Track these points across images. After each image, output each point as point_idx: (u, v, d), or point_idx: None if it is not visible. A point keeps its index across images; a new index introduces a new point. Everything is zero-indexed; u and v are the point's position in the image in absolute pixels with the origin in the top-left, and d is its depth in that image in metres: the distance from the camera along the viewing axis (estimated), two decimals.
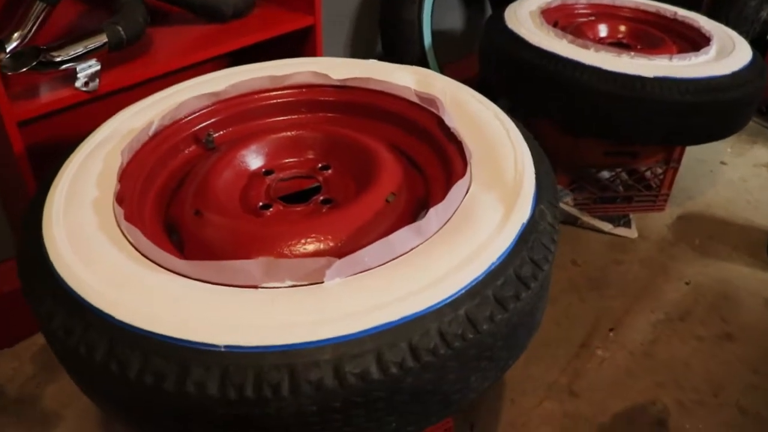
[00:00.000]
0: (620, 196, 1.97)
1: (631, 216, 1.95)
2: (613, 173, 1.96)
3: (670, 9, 1.99)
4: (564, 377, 1.46)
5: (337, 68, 1.17)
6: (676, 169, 1.93)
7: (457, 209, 0.86)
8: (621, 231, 1.90)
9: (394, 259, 0.78)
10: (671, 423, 1.37)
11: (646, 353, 1.53)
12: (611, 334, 1.57)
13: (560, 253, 1.80)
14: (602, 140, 1.82)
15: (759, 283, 1.74)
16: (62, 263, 0.78)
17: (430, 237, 0.81)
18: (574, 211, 1.91)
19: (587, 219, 1.91)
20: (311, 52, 1.61)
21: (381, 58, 2.05)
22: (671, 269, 1.78)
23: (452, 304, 0.72)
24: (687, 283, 1.74)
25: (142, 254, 0.80)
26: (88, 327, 0.72)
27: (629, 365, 1.50)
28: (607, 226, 1.91)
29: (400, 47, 2.09)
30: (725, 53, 1.74)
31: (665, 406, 1.41)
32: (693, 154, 2.21)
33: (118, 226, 0.84)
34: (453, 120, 1.02)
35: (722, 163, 2.27)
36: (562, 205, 1.90)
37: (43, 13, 1.25)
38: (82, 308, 0.73)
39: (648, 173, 1.97)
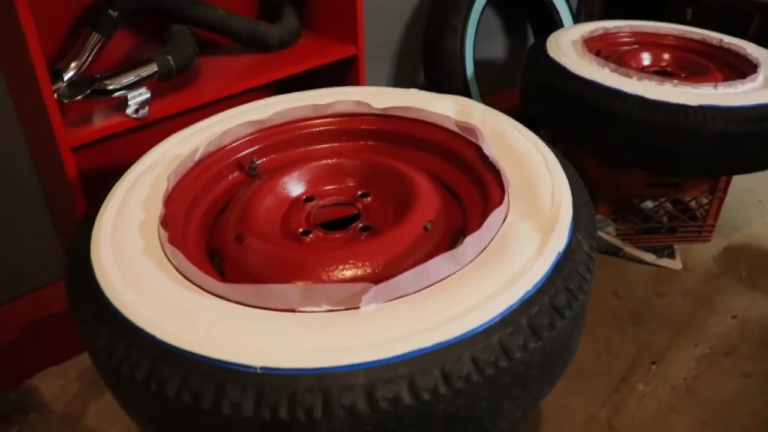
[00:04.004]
0: (664, 226, 1.94)
1: (675, 247, 1.92)
2: (657, 203, 1.94)
3: (715, 36, 1.98)
4: (603, 411, 1.44)
5: (379, 97, 1.20)
6: (722, 200, 1.89)
7: (493, 238, 0.86)
8: (665, 262, 1.87)
9: (429, 286, 0.79)
10: None
11: (690, 389, 1.49)
12: (653, 367, 1.54)
13: (601, 284, 1.78)
14: (644, 171, 1.80)
15: None
16: (108, 285, 0.81)
17: (466, 265, 0.82)
18: (617, 242, 1.89)
19: (630, 250, 1.88)
20: (354, 81, 1.65)
21: (424, 88, 2.08)
22: (717, 302, 1.74)
23: (486, 332, 0.72)
24: (734, 317, 1.70)
25: (185, 277, 0.83)
26: (130, 346, 0.74)
27: (671, 401, 1.46)
28: (650, 257, 1.88)
29: (442, 77, 2.11)
30: None
31: None
32: (740, 183, 2.17)
33: (163, 249, 0.87)
34: (491, 149, 1.03)
35: None
36: (603, 235, 1.88)
37: (99, 44, 1.31)
38: (126, 328, 0.76)
39: (693, 203, 1.94)
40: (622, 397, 1.47)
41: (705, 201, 1.91)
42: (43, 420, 1.42)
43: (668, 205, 1.96)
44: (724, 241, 1.98)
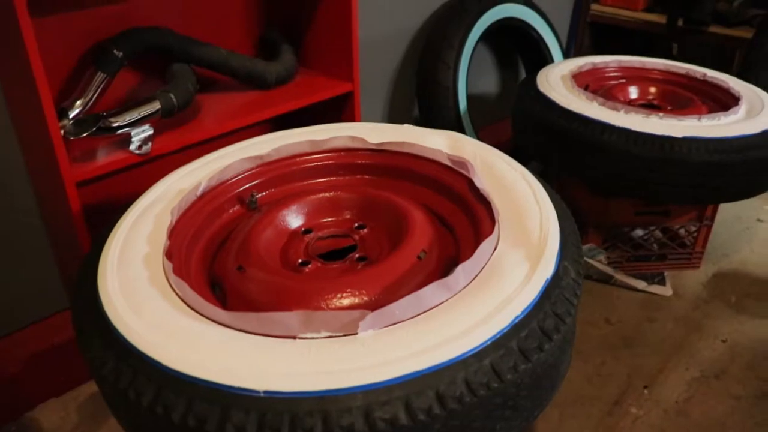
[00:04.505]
0: (654, 254, 1.98)
1: (666, 274, 1.96)
2: (647, 231, 1.98)
3: (699, 70, 2.04)
4: None
5: (374, 132, 1.25)
6: (709, 227, 1.94)
7: (484, 266, 0.90)
8: (655, 289, 1.91)
9: (423, 312, 0.83)
10: None
11: (681, 412, 1.52)
12: (645, 391, 1.57)
13: (593, 311, 1.82)
14: (633, 200, 1.85)
15: None
16: (115, 313, 0.85)
17: (458, 292, 0.86)
18: (608, 270, 1.93)
19: (621, 277, 1.92)
20: (350, 116, 1.70)
21: (418, 122, 2.13)
22: (706, 327, 1.78)
23: (477, 355, 0.76)
24: (723, 341, 1.73)
25: (189, 306, 0.86)
26: (137, 372, 0.78)
27: (663, 424, 1.49)
28: (641, 284, 1.92)
29: (436, 112, 2.17)
30: (754, 112, 1.77)
31: None
32: (729, 211, 2.22)
33: (167, 279, 0.91)
34: (482, 182, 1.07)
35: (759, 220, 2.27)
36: (595, 264, 1.92)
37: (104, 83, 1.36)
38: (132, 355, 0.79)
39: (682, 231, 1.98)
40: (614, 421, 1.49)
41: (693, 228, 1.95)
42: None
43: (658, 233, 2.00)
44: (713, 267, 2.02)
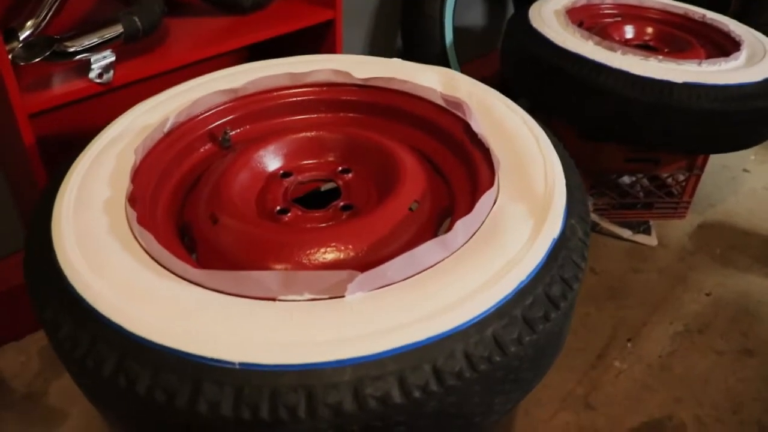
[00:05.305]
0: (640, 202, 1.92)
1: (651, 223, 1.91)
2: (634, 178, 1.92)
3: (698, 11, 1.94)
4: (580, 388, 1.43)
5: (359, 66, 1.13)
6: (698, 177, 1.88)
7: (484, 221, 0.82)
8: (640, 238, 1.86)
9: (418, 273, 0.74)
10: None
11: (664, 366, 1.49)
12: (629, 345, 1.54)
13: None
14: (625, 146, 1.78)
15: None
16: (71, 268, 0.75)
17: (456, 251, 0.77)
18: (594, 217, 1.87)
19: (606, 225, 1.87)
20: (330, 48, 1.58)
21: (401, 55, 2.01)
22: (691, 280, 1.74)
23: (479, 325, 0.68)
24: (707, 295, 1.70)
25: (156, 260, 0.77)
26: (96, 338, 0.69)
27: (646, 378, 1.46)
28: (626, 233, 1.87)
29: (420, 44, 2.05)
30: (756, 59, 1.69)
31: (683, 422, 1.38)
32: (716, 160, 2.16)
33: (131, 229, 0.81)
34: (480, 125, 0.98)
35: (745, 170, 2.22)
36: None
37: (58, 1, 1.21)
38: (91, 317, 0.70)
39: (669, 180, 1.92)
40: (598, 374, 1.46)
41: (682, 178, 1.89)
42: (4, 399, 1.35)
43: (645, 181, 1.94)
44: (699, 217, 1.98)
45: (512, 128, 0.99)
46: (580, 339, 1.54)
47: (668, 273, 1.76)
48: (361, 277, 0.71)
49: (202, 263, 0.86)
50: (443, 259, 0.76)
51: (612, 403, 1.40)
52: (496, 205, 0.85)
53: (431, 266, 0.75)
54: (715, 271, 1.78)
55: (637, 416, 1.38)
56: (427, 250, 0.75)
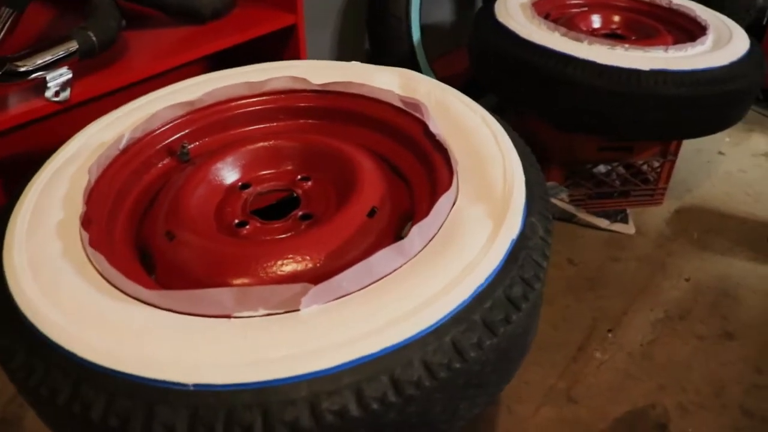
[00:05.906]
0: (617, 190, 1.92)
1: (629, 211, 1.90)
2: (610, 167, 1.92)
3: None
4: (562, 382, 1.42)
5: (318, 72, 1.12)
6: (673, 162, 1.88)
7: (442, 225, 0.81)
8: (618, 227, 1.86)
9: (374, 282, 0.73)
10: (673, 427, 1.34)
11: (646, 355, 1.49)
12: (610, 335, 1.53)
13: (556, 251, 1.76)
14: (596, 136, 1.77)
15: (760, 279, 1.70)
16: (23, 295, 0.74)
17: (414, 257, 0.76)
18: (570, 208, 1.86)
19: (583, 216, 1.86)
20: (294, 53, 1.56)
21: (369, 56, 1.99)
22: (670, 266, 1.74)
23: (436, 332, 0.67)
24: (687, 280, 1.70)
25: (110, 283, 0.75)
26: (50, 366, 0.67)
27: (628, 368, 1.46)
28: (603, 223, 1.86)
29: (388, 44, 2.04)
30: (722, 43, 1.68)
31: (666, 409, 1.37)
32: (690, 144, 2.16)
33: (85, 252, 0.79)
34: (438, 126, 0.97)
35: (720, 153, 2.22)
36: (557, 202, 1.86)
37: (10, 20, 1.19)
38: (43, 345, 0.69)
39: (645, 167, 1.92)
40: (579, 367, 1.45)
41: (657, 164, 1.89)
42: None
43: (621, 170, 1.94)
44: (676, 203, 1.98)
45: (471, 127, 0.98)
46: (560, 332, 1.53)
47: (647, 260, 1.76)
48: (316, 290, 0.69)
49: (161, 282, 0.85)
50: (400, 266, 0.75)
51: (594, 394, 1.40)
52: (454, 206, 0.84)
53: (388, 274, 0.74)
54: (694, 256, 1.78)
55: (621, 406, 1.38)
56: (383, 258, 0.74)
